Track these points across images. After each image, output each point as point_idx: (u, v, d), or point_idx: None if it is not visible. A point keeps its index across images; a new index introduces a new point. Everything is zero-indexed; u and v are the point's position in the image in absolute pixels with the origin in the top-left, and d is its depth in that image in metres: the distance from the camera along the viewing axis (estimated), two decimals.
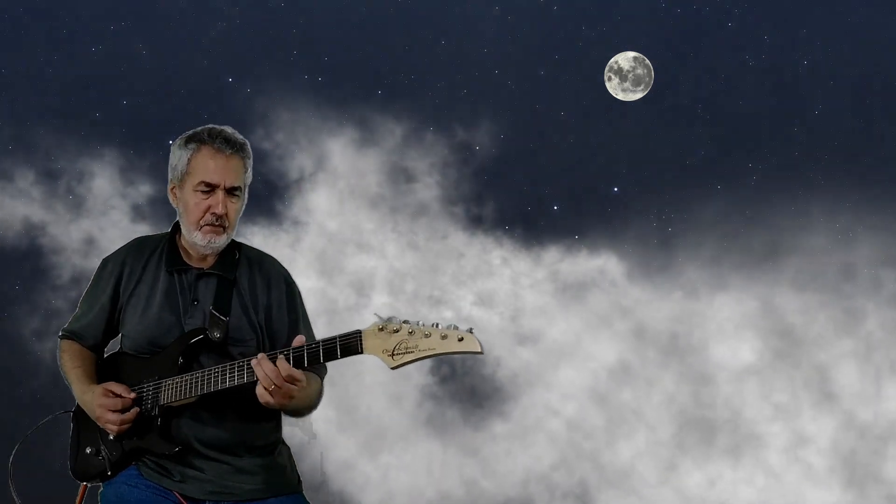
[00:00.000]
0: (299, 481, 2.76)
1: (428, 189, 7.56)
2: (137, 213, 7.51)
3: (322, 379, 2.71)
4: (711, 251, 7.51)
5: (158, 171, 7.08)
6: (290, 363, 2.44)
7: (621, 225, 7.68)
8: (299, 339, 2.48)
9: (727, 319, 7.57)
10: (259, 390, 2.47)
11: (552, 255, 7.72)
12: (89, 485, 2.69)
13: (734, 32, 7.49)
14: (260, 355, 2.47)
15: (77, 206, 7.47)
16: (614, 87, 7.47)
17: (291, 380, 2.44)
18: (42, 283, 7.38)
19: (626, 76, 7.45)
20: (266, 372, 2.44)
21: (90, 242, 7.45)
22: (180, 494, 2.57)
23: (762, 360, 7.54)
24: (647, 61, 7.43)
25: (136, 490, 2.58)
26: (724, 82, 7.52)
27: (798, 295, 7.44)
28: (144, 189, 7.47)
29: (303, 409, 2.66)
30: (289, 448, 2.79)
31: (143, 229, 7.26)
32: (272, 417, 2.69)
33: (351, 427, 7.44)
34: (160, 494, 2.57)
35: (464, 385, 7.62)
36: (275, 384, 2.43)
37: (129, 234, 6.96)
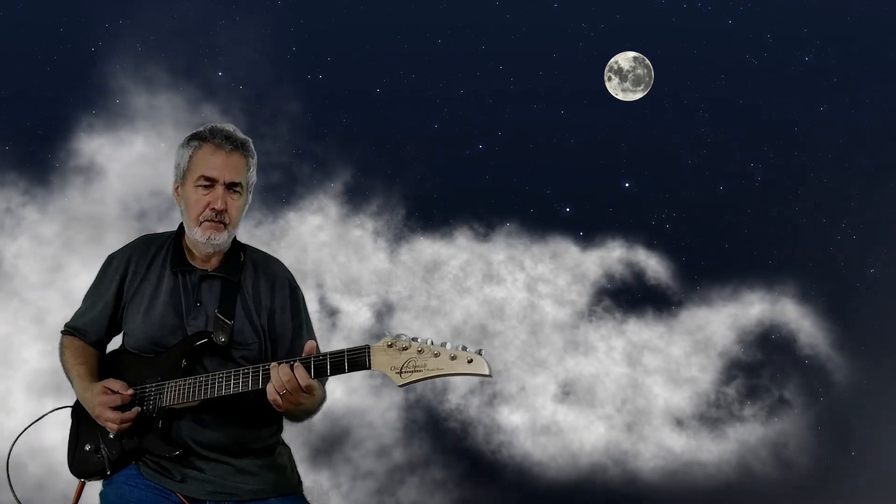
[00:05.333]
0: (299, 481, 2.76)
1: (427, 189, 7.52)
2: None
3: (323, 385, 2.69)
4: None
5: None
6: (311, 374, 2.43)
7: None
8: (310, 346, 2.47)
9: None
10: (270, 390, 2.46)
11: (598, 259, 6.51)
12: (87, 481, 2.68)
13: (735, 32, 7.48)
14: (274, 364, 2.46)
15: None
16: (614, 87, 7.45)
17: (309, 389, 2.44)
18: None
19: (626, 76, 7.43)
20: (282, 377, 2.43)
21: None
22: (182, 495, 2.57)
23: None
24: (647, 61, 7.41)
25: (136, 490, 2.58)
26: (725, 82, 7.51)
27: None
28: None
29: (302, 416, 2.66)
30: (289, 449, 2.79)
31: None
32: (273, 421, 2.69)
33: None
34: (161, 495, 2.57)
35: None
36: (287, 390, 2.43)
37: None
